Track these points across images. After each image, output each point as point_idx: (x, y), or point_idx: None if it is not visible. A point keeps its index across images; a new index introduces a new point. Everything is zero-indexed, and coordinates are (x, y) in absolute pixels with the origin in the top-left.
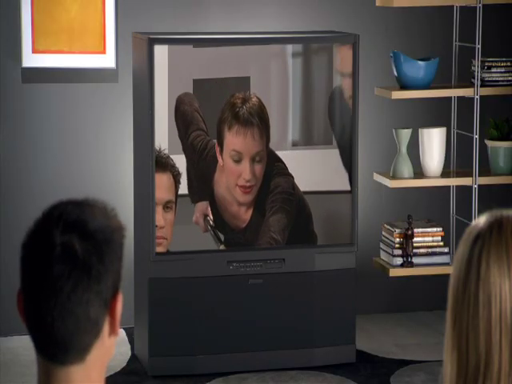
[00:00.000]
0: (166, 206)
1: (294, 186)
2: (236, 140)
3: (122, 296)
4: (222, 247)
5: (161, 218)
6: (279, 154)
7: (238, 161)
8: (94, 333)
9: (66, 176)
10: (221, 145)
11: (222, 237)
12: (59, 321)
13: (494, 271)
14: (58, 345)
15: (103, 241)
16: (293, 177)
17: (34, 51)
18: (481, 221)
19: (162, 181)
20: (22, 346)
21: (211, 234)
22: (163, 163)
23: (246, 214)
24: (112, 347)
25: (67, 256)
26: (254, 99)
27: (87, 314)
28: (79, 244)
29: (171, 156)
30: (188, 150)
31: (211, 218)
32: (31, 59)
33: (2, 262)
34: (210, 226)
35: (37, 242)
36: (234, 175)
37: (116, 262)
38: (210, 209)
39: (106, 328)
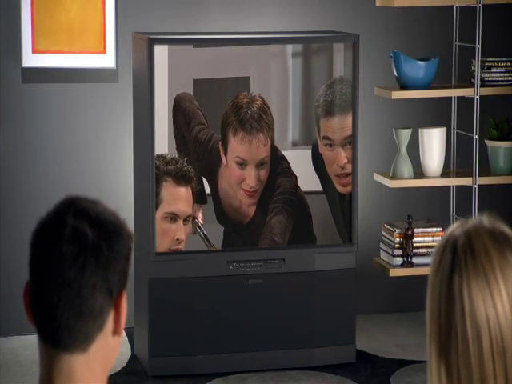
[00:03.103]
0: (185, 219)
1: (296, 186)
2: (241, 147)
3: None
4: (212, 249)
5: (182, 232)
6: (278, 153)
7: (242, 167)
8: (98, 323)
9: (66, 176)
10: (225, 146)
11: (211, 238)
12: (65, 302)
13: (479, 304)
14: (62, 328)
15: (113, 231)
16: (296, 176)
17: (34, 51)
18: (451, 242)
19: (186, 194)
20: (22, 345)
21: (200, 236)
22: (189, 177)
23: (248, 210)
24: (116, 348)
25: (77, 237)
26: (259, 101)
27: (92, 300)
28: (89, 229)
29: (178, 155)
30: (190, 144)
31: (200, 221)
32: (31, 59)
33: (2, 262)
34: (199, 227)
35: (48, 225)
36: (238, 179)
37: (123, 258)
38: (199, 212)
39: (110, 323)
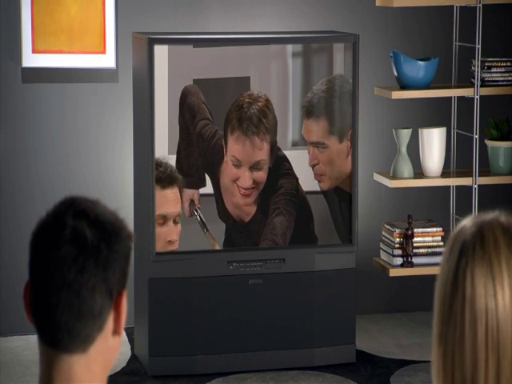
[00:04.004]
0: (175, 219)
1: (297, 187)
2: (236, 147)
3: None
4: (207, 234)
5: (174, 232)
6: (280, 153)
7: (237, 166)
8: (97, 324)
9: (66, 176)
10: (226, 143)
11: (208, 225)
12: (64, 303)
13: (480, 290)
14: (62, 329)
15: (112, 231)
16: (297, 178)
17: (34, 51)
18: (463, 232)
19: (172, 195)
20: (22, 345)
21: (196, 220)
22: (173, 178)
23: (249, 208)
24: (116, 348)
25: (76, 239)
26: (261, 103)
27: (92, 301)
28: (89, 230)
29: (171, 156)
30: (194, 138)
31: (198, 205)
32: (31, 59)
33: (2, 262)
34: (196, 210)
35: (47, 226)
36: (233, 177)
37: (123, 258)
38: (196, 196)
39: (110, 323)
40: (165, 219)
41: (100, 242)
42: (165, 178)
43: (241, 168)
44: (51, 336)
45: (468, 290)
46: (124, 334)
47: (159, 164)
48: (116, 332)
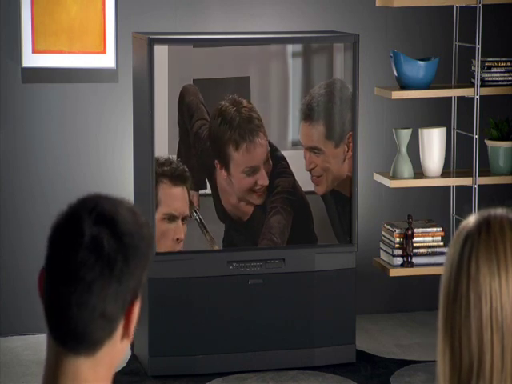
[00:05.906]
0: (183, 219)
1: (294, 186)
2: (248, 157)
3: (139, 303)
4: (207, 236)
5: (182, 231)
6: (277, 153)
7: (253, 173)
8: (107, 331)
9: (66, 176)
10: (225, 162)
11: (209, 227)
12: (75, 308)
13: (484, 271)
14: (71, 332)
15: (130, 245)
16: (294, 176)
17: (34, 51)
18: (470, 221)
19: (182, 194)
20: (22, 345)
21: (196, 220)
22: (184, 177)
23: (246, 207)
24: (123, 351)
25: (94, 247)
26: (244, 103)
27: (103, 310)
28: (107, 240)
29: (171, 156)
30: (191, 139)
31: (197, 206)
32: (31, 59)
33: (2, 262)
34: (195, 211)
35: (67, 227)
36: (250, 185)
37: (139, 269)
38: (196, 197)
39: (119, 330)
40: (174, 218)
41: (117, 256)
42: (176, 176)
43: (257, 173)
44: (60, 337)
45: (472, 270)
46: None
47: (170, 161)
48: (125, 337)
